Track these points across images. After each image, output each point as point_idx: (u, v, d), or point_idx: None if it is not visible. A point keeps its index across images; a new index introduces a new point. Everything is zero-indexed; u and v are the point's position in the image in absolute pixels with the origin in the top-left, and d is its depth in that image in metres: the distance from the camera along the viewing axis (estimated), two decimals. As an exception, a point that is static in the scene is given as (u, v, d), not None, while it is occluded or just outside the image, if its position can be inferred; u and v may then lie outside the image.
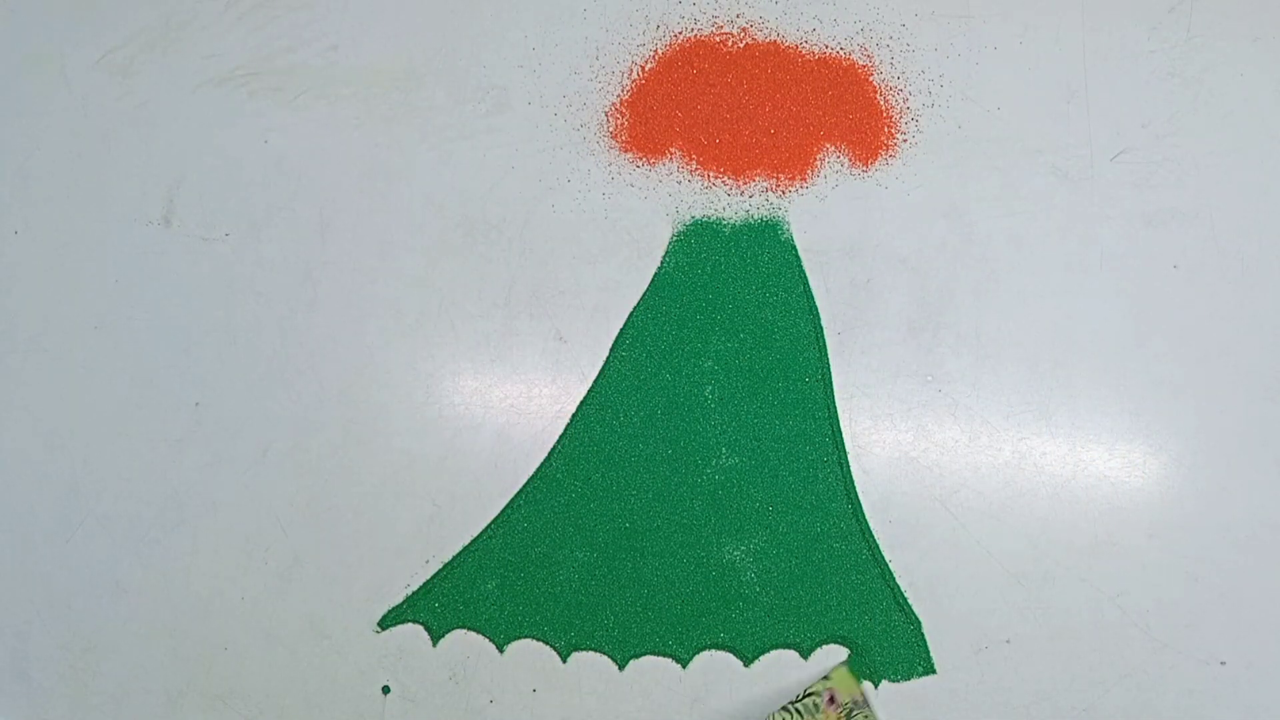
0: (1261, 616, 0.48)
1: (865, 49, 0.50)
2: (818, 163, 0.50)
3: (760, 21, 0.50)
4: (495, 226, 0.50)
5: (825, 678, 0.47)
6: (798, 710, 0.47)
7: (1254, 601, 0.48)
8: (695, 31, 0.50)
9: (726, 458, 0.49)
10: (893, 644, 0.48)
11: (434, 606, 0.49)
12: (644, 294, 0.50)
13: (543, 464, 0.49)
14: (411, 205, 0.50)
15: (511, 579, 0.49)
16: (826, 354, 0.49)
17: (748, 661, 0.49)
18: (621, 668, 0.49)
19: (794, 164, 0.50)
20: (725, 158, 0.50)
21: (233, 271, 0.50)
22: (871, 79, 0.50)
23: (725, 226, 0.50)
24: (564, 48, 0.50)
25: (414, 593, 0.49)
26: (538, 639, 0.49)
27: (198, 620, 0.49)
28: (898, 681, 0.48)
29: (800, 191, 0.50)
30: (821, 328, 0.49)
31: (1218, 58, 0.50)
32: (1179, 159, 0.49)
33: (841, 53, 0.50)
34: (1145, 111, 0.50)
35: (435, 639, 0.49)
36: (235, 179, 0.51)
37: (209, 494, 0.50)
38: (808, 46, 0.50)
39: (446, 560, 0.49)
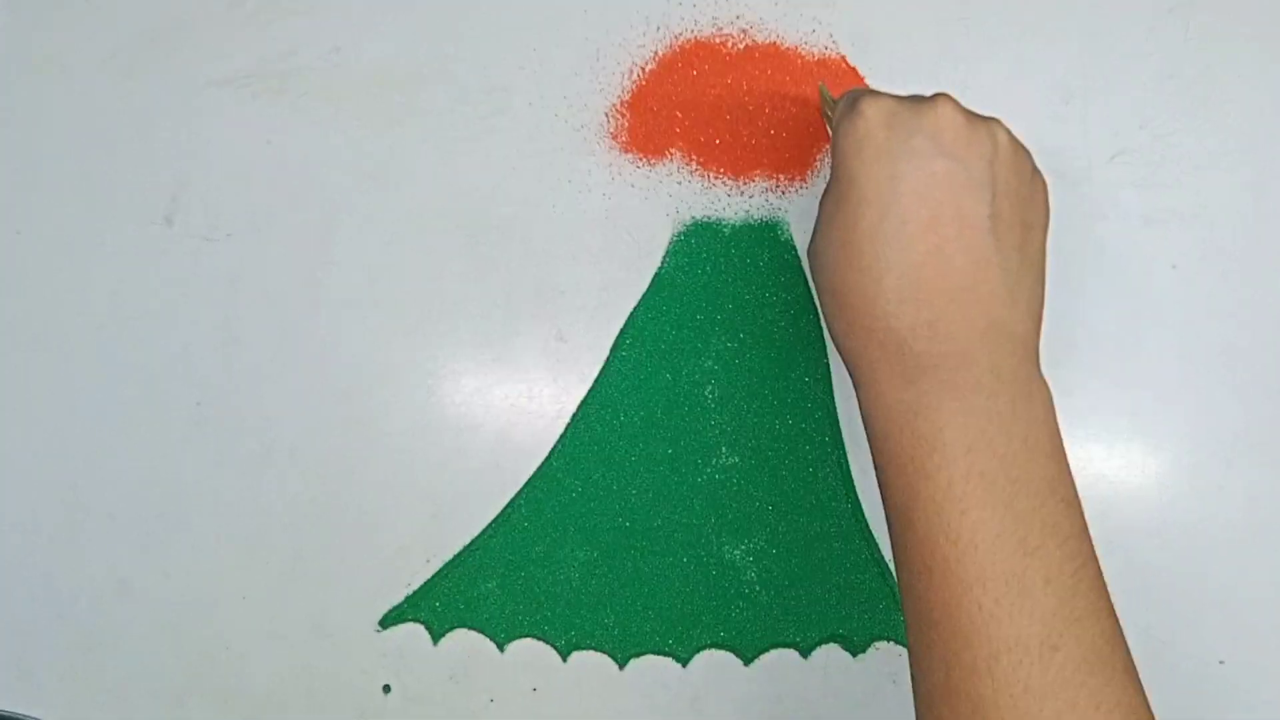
0: (1261, 616, 0.48)
1: (865, 49, 0.50)
2: (818, 163, 0.50)
3: (760, 22, 0.50)
4: (496, 227, 0.50)
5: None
6: None
7: (1254, 601, 0.48)
8: (695, 33, 0.50)
9: (727, 457, 0.49)
10: (893, 643, 0.49)
11: (434, 606, 0.49)
12: (644, 294, 0.50)
13: (543, 464, 0.49)
14: (413, 206, 0.50)
15: (511, 579, 0.49)
16: (826, 354, 0.49)
17: (748, 661, 0.49)
18: (621, 667, 0.49)
19: (794, 164, 0.50)
20: (725, 158, 0.50)
21: (234, 272, 0.50)
22: (871, 79, 0.50)
23: (725, 227, 0.50)
24: (564, 49, 0.51)
25: (414, 592, 0.49)
26: (538, 638, 0.49)
27: (198, 620, 0.49)
28: (897, 681, 0.48)
29: (800, 191, 0.50)
30: (821, 328, 0.49)
31: (1218, 58, 0.50)
32: (1178, 159, 0.50)
33: (841, 53, 0.50)
34: (1144, 112, 0.50)
35: (435, 639, 0.49)
36: (237, 180, 0.51)
37: (209, 494, 0.50)
38: (808, 47, 0.50)
39: (447, 560, 0.49)
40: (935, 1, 0.50)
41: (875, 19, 0.50)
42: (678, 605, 0.49)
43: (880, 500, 0.49)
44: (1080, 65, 0.50)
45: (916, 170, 0.36)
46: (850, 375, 0.39)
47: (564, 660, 0.49)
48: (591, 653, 0.49)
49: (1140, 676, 0.36)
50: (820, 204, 0.40)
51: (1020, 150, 0.39)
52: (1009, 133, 0.39)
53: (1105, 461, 0.48)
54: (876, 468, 0.38)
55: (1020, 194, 0.38)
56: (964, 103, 0.39)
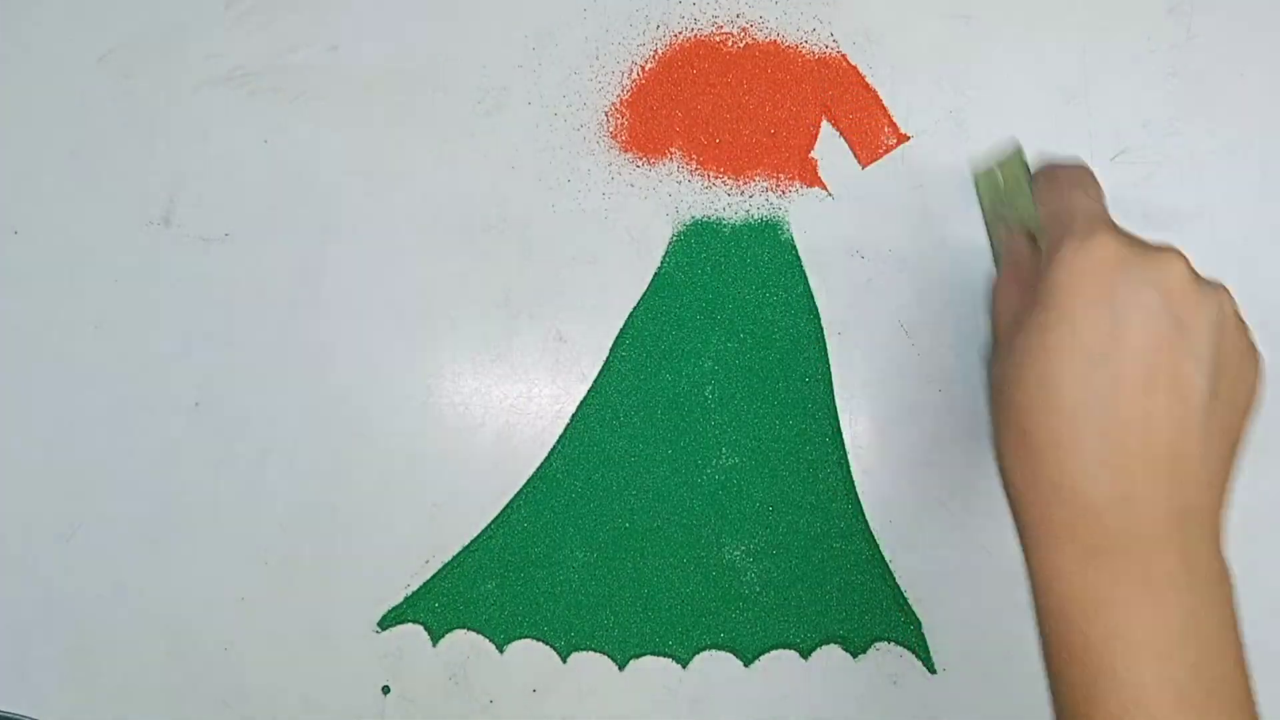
0: (1261, 616, 0.48)
1: (865, 49, 0.50)
2: (818, 163, 0.50)
3: (760, 21, 0.50)
4: (495, 226, 0.50)
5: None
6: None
7: (1253, 601, 0.48)
8: (695, 31, 0.50)
9: (727, 458, 0.49)
10: (893, 644, 0.49)
11: (434, 606, 0.49)
12: (644, 294, 0.50)
13: (543, 464, 0.49)
14: (411, 205, 0.50)
15: (511, 579, 0.49)
16: (826, 354, 0.49)
17: (748, 661, 0.49)
18: (621, 668, 0.49)
19: (794, 164, 0.50)
20: (725, 158, 0.50)
21: (233, 272, 0.50)
22: (871, 79, 0.50)
23: (725, 226, 0.50)
24: (564, 48, 0.50)
25: (414, 593, 0.49)
26: (538, 639, 0.49)
27: (198, 621, 0.49)
28: (897, 682, 0.48)
29: (800, 191, 0.50)
30: (821, 328, 0.49)
31: (1218, 58, 0.50)
32: (1179, 159, 0.49)
33: (842, 53, 0.50)
34: (1145, 111, 0.50)
35: (435, 639, 0.49)
36: (235, 179, 0.50)
37: (209, 494, 0.50)
38: (808, 46, 0.50)
39: (446, 560, 0.49)
40: (937, 1, 0.50)
41: (877, 18, 0.50)
42: (678, 606, 0.49)
43: (885, 502, 0.49)
44: (1082, 64, 0.50)
45: (1142, 327, 0.33)
46: (1019, 533, 0.35)
47: (564, 661, 0.49)
48: (591, 653, 0.49)
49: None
50: (1014, 325, 0.36)
51: (1244, 325, 0.36)
52: (1235, 304, 0.35)
53: (1106, 462, 0.48)
54: (1045, 647, 0.34)
55: (1239, 374, 0.35)
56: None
